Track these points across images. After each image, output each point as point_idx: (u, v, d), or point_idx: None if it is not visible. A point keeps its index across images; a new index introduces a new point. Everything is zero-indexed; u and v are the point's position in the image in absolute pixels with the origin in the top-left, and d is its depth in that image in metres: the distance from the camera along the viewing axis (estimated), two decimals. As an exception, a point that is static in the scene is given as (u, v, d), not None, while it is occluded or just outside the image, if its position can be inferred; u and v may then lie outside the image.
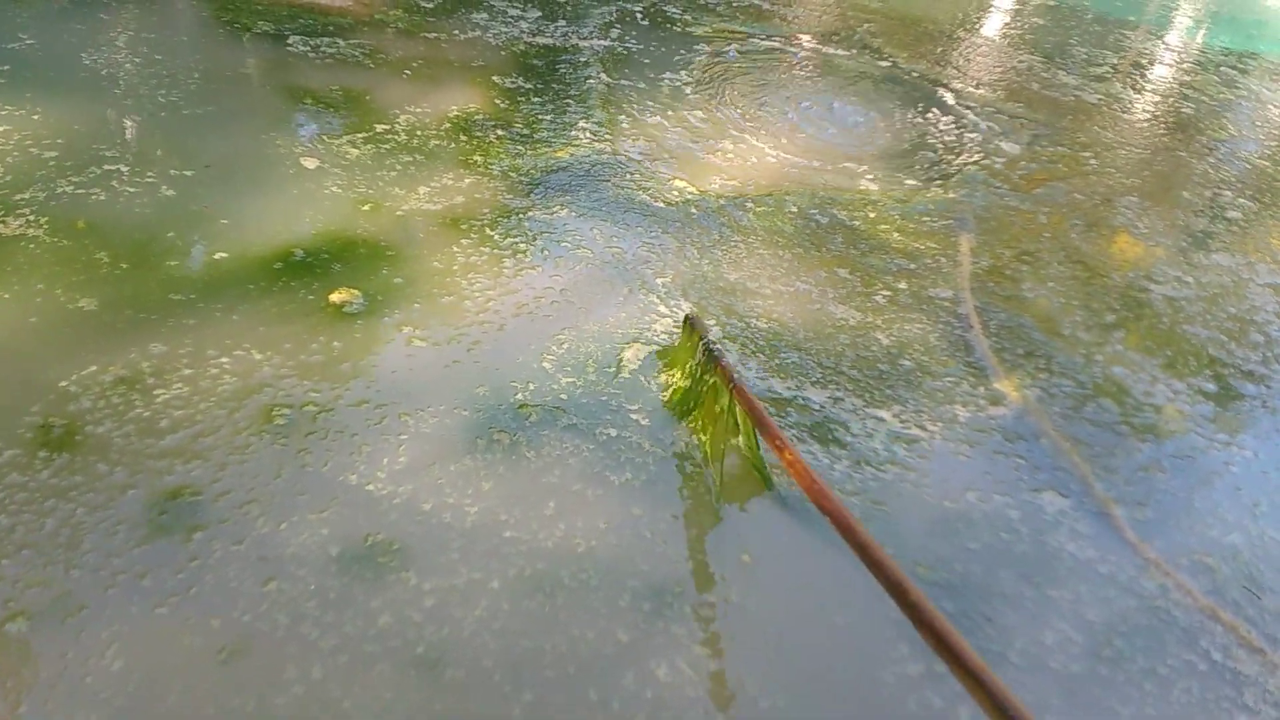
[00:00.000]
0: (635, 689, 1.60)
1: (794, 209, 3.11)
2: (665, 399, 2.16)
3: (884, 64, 4.60)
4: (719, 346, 2.09)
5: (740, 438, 2.01)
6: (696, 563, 1.82)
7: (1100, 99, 4.70)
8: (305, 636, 1.59)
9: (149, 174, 2.61)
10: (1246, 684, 1.79)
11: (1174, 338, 2.81)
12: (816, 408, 2.24)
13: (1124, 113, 4.58)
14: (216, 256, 2.36)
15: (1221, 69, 5.59)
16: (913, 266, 2.90)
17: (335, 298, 2.29)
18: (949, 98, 4.34)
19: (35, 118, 2.74)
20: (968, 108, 4.25)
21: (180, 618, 1.58)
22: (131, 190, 2.52)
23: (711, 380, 2.05)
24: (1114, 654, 1.80)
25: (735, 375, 1.99)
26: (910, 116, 4.05)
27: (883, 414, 2.26)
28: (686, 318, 2.24)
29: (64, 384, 1.93)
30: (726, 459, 2.02)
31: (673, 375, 2.20)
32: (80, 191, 2.47)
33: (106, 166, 2.60)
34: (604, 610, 1.70)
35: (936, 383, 2.40)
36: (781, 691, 1.63)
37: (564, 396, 2.13)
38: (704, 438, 2.05)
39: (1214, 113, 4.82)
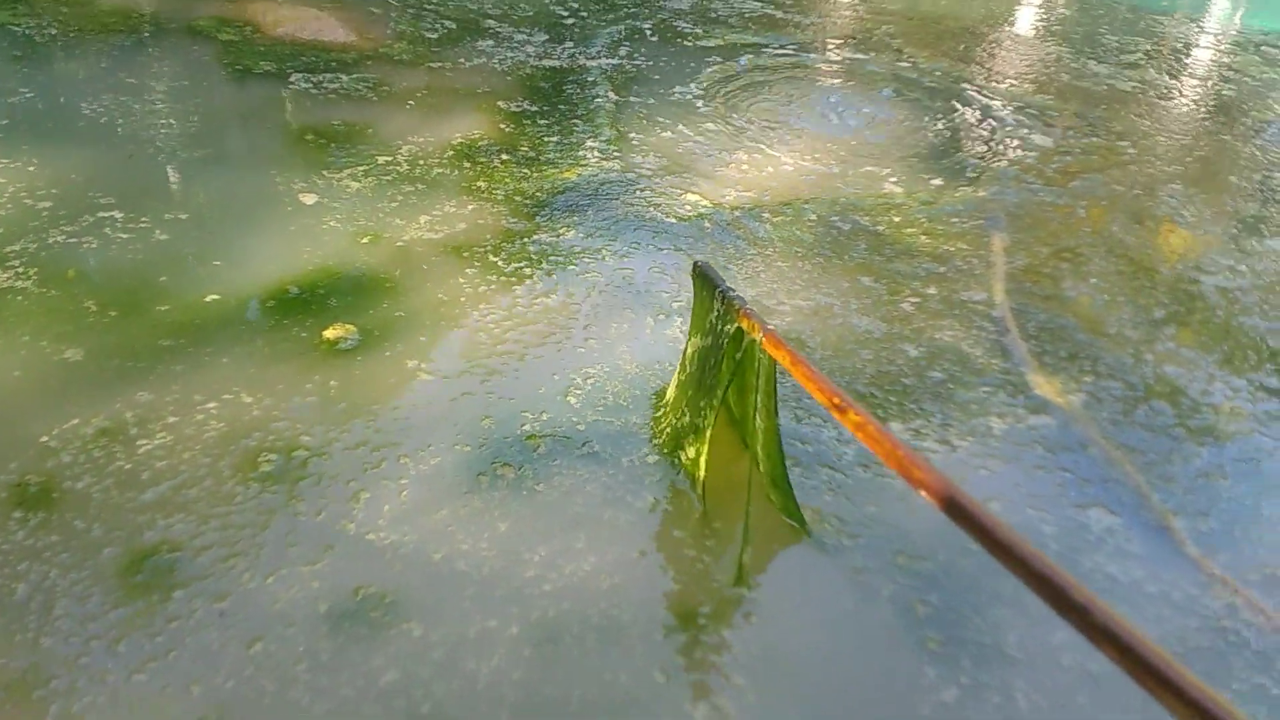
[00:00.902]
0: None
1: (813, 217, 2.97)
2: (660, 440, 1.98)
3: (904, 65, 4.45)
4: (737, 293, 1.78)
5: (761, 449, 1.84)
6: (717, 596, 1.67)
7: (1135, 86, 4.49)
8: (296, 702, 1.47)
9: (143, 219, 2.54)
10: (1340, 714, 1.59)
11: (1230, 331, 2.61)
12: (829, 433, 2.08)
13: (1161, 99, 4.37)
14: (208, 299, 2.27)
15: (1263, 49, 5.35)
16: (942, 270, 2.74)
17: (329, 334, 2.19)
18: (974, 95, 4.17)
19: (31, 169, 2.70)
20: (994, 103, 4.08)
21: (158, 685, 1.47)
22: (124, 237, 2.46)
23: (735, 335, 1.74)
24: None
25: (765, 323, 1.68)
26: (934, 116, 3.89)
27: (903, 431, 2.10)
28: (695, 265, 1.92)
29: (44, 439, 1.85)
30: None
31: (666, 418, 2.01)
32: (72, 240, 2.41)
33: (100, 214, 2.54)
34: (624, 653, 1.56)
35: (969, 394, 2.23)
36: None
37: (577, 427, 2.00)
38: (698, 461, 1.87)
39: (1257, 94, 4.58)
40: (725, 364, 1.78)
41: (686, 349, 1.96)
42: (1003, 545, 1.04)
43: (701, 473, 1.83)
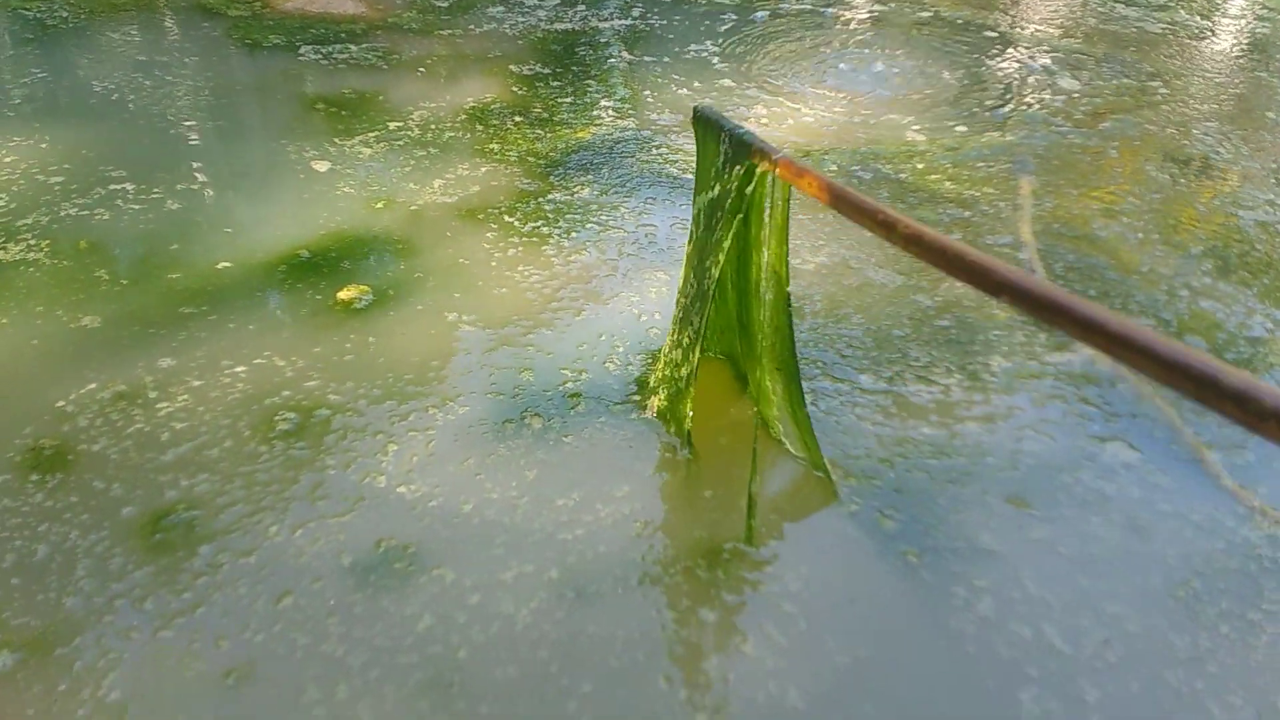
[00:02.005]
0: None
1: (834, 167, 2.89)
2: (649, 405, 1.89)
3: (926, 14, 4.34)
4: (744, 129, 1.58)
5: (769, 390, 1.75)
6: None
7: (1165, 28, 4.35)
8: (329, 654, 1.44)
9: (154, 191, 2.53)
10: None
11: (1271, 264, 2.51)
12: (845, 388, 2.02)
13: (1192, 39, 4.22)
14: (220, 266, 2.25)
15: (1299, -15, 5.15)
16: (967, 215, 2.65)
17: (343, 295, 2.16)
18: (999, 41, 4.05)
19: (43, 146, 2.70)
20: (1019, 48, 3.96)
21: (185, 640, 1.45)
22: (136, 208, 2.45)
23: (749, 179, 1.55)
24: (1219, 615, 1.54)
25: (776, 151, 1.49)
26: (957, 63, 3.79)
27: (922, 378, 2.03)
28: (695, 111, 1.69)
29: (61, 404, 1.84)
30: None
31: (656, 393, 1.89)
32: (84, 213, 2.40)
33: (112, 186, 2.53)
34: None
35: (992, 336, 2.15)
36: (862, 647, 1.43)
37: (585, 384, 1.96)
38: (685, 396, 1.75)
39: (1295, 30, 4.41)
40: (728, 221, 1.59)
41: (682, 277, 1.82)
42: (1117, 335, 0.89)
43: (689, 410, 1.76)
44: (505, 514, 1.65)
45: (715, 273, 1.65)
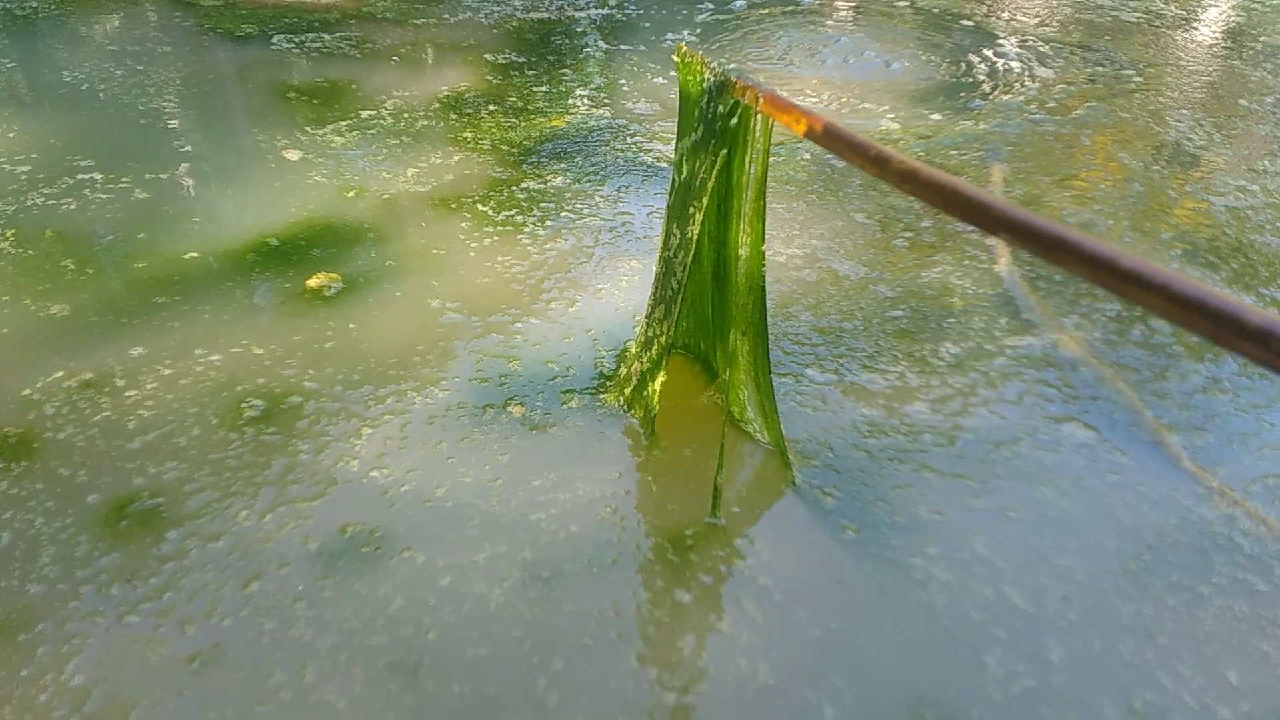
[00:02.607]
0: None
1: (807, 156, 2.90)
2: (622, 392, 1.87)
3: (903, 3, 4.34)
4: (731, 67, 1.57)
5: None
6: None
7: (1140, 17, 4.37)
8: (297, 639, 1.44)
9: (123, 180, 2.51)
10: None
11: (1240, 249, 2.53)
12: (806, 379, 2.03)
13: (1167, 28, 4.25)
14: (188, 255, 2.24)
15: (1273, -25, 5.19)
16: (940, 200, 2.66)
17: (312, 283, 2.15)
18: (974, 29, 4.06)
19: (10, 135, 2.67)
20: (995, 37, 3.98)
21: (150, 625, 1.44)
22: (104, 197, 2.43)
23: (733, 114, 1.53)
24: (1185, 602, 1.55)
25: (760, 85, 1.47)
26: (933, 52, 3.80)
27: (887, 361, 2.04)
28: (680, 49, 1.66)
29: (27, 392, 1.82)
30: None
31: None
32: (51, 202, 2.38)
33: (80, 175, 2.51)
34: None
35: (955, 321, 2.16)
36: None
37: (560, 374, 1.96)
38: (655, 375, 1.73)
39: (1267, 20, 4.45)
40: (711, 161, 1.57)
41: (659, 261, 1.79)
42: (1128, 272, 0.83)
43: (657, 392, 1.75)
44: (479, 497, 1.65)
45: (699, 219, 1.62)
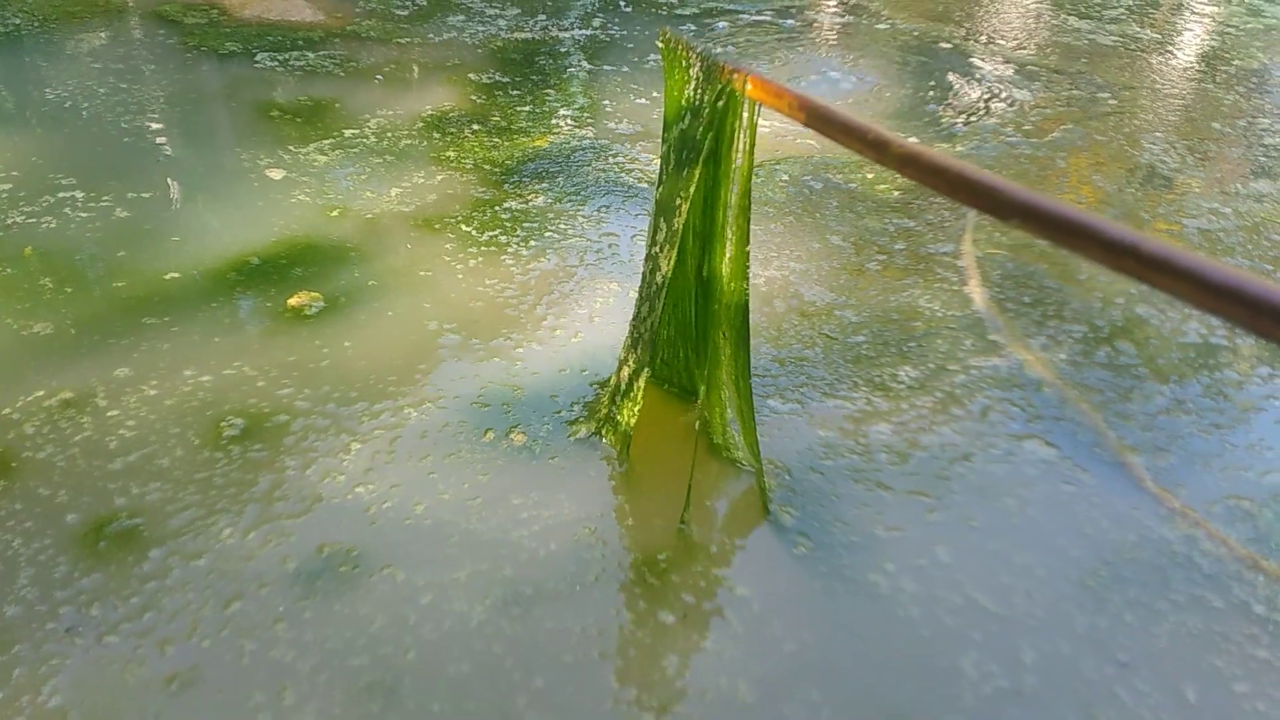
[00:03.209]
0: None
1: (785, 177, 2.93)
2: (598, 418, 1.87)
3: (883, 27, 4.40)
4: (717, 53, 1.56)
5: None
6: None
7: (1117, 41, 4.45)
8: (277, 660, 1.44)
9: (104, 198, 2.51)
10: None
11: (1212, 271, 2.57)
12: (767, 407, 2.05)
13: (1143, 52, 4.32)
14: (169, 275, 2.24)
15: (1247, 1, 5.29)
16: (912, 224, 2.70)
17: (293, 301, 2.16)
18: (952, 51, 4.12)
19: (-8, 153, 2.67)
20: (973, 60, 4.03)
21: (130, 646, 1.44)
22: (84, 215, 2.43)
23: (720, 98, 1.51)
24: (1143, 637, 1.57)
25: (749, 69, 1.46)
26: (912, 75, 3.85)
27: (854, 380, 2.07)
28: (663, 34, 1.64)
29: (7, 410, 1.82)
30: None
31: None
32: (30, 221, 2.38)
33: (61, 194, 2.51)
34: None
35: (922, 342, 2.19)
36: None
37: (531, 390, 1.97)
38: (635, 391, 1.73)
39: (1241, 43, 4.53)
40: (698, 149, 1.55)
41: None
42: (1153, 258, 0.79)
43: (631, 418, 1.76)
44: (458, 515, 1.66)
45: (684, 209, 1.59)
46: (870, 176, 2.95)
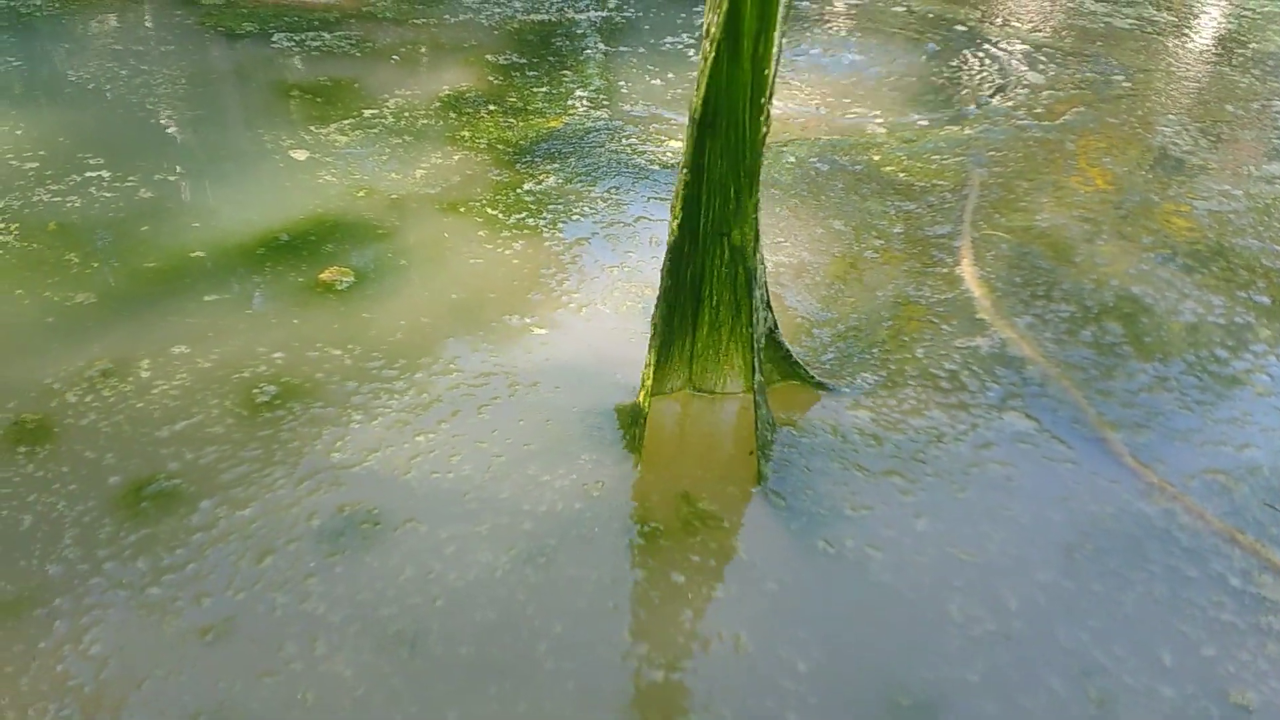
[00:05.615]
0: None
1: (792, 159, 2.96)
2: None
3: (899, 9, 4.40)
4: None
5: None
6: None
7: (1133, 24, 4.44)
8: (311, 612, 1.50)
9: (130, 178, 2.57)
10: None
11: (1221, 252, 2.59)
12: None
13: (1159, 35, 4.31)
14: (194, 254, 2.30)
15: (1264, -19, 5.25)
16: (913, 206, 2.72)
17: (324, 276, 2.21)
18: (968, 34, 4.12)
19: (18, 133, 2.73)
20: (988, 43, 4.04)
21: (168, 599, 1.50)
22: (109, 195, 2.48)
23: None
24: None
25: None
26: (926, 56, 3.86)
27: (830, 363, 2.10)
28: None
29: (48, 380, 1.88)
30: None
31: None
32: (57, 199, 2.44)
33: (88, 173, 2.57)
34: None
35: (900, 324, 2.21)
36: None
37: (555, 365, 2.02)
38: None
39: (1258, 26, 4.51)
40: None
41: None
42: None
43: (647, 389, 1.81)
44: (478, 475, 1.71)
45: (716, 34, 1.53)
46: (877, 159, 2.98)
